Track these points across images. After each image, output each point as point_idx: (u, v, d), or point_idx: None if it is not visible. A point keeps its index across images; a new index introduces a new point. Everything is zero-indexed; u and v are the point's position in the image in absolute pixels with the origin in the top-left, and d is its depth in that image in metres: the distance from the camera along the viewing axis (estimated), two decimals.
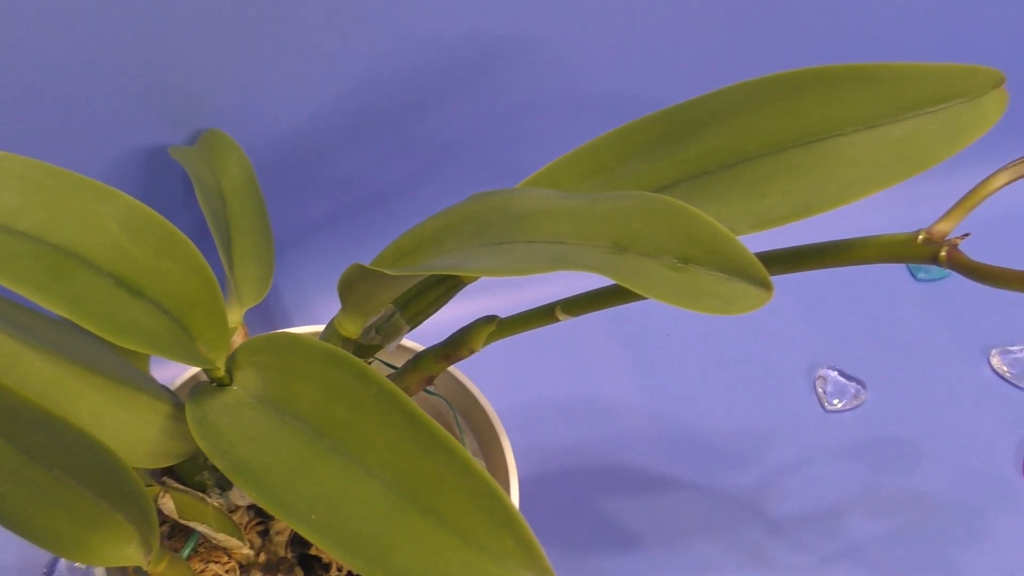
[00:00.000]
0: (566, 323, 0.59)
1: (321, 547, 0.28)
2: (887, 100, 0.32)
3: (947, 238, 0.33)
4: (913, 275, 0.69)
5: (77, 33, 0.49)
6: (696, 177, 0.35)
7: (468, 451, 0.43)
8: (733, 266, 0.30)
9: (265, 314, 0.64)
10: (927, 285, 0.68)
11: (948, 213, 0.33)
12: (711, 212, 0.34)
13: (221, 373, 0.36)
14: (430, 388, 0.44)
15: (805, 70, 0.33)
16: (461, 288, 0.41)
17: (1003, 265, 0.68)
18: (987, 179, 0.33)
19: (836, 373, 0.62)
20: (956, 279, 0.69)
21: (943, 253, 0.32)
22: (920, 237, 0.33)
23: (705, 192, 0.35)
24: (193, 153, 0.51)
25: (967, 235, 0.33)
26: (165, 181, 0.55)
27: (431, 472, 0.29)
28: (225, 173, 0.50)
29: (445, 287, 0.40)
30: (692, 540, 0.56)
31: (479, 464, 0.27)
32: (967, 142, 0.32)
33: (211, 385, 0.36)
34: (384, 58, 0.57)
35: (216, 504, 0.39)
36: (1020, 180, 0.34)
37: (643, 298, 0.30)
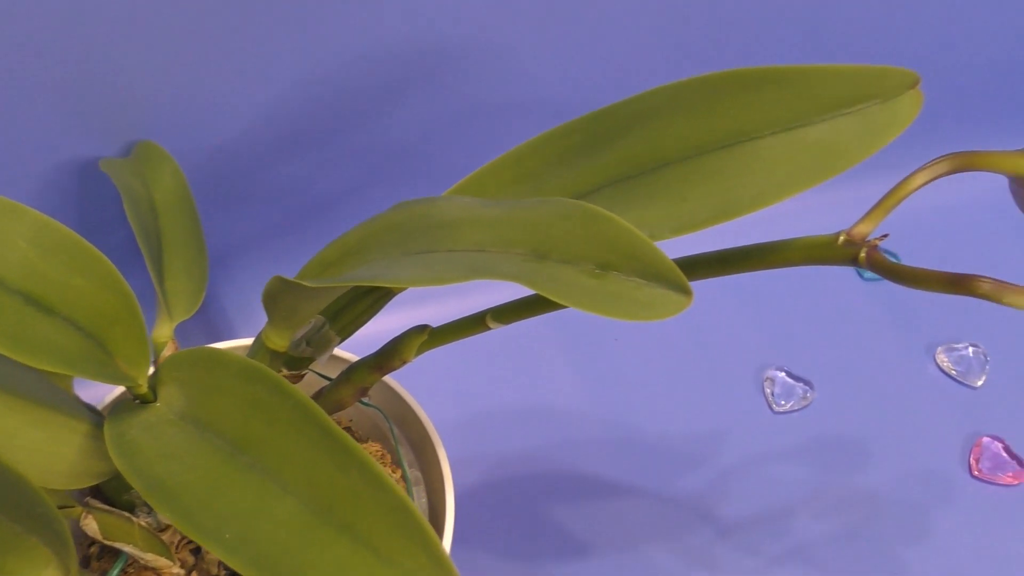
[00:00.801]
0: (514, 330, 0.59)
1: (234, 567, 0.28)
2: (802, 102, 0.32)
3: (868, 239, 0.33)
4: (860, 274, 0.69)
5: (4, 43, 0.48)
6: (619, 182, 0.35)
7: (403, 462, 0.43)
8: (651, 271, 0.30)
9: (209, 326, 0.63)
10: (873, 284, 0.69)
11: (868, 214, 0.33)
12: (633, 217, 0.34)
13: (143, 390, 0.35)
14: (365, 399, 0.43)
15: (721, 73, 0.33)
16: (391, 298, 0.41)
17: (946, 265, 0.69)
18: (905, 180, 0.33)
19: (784, 374, 0.62)
20: None
21: (862, 254, 0.32)
22: (841, 239, 0.33)
23: (627, 197, 0.34)
24: (124, 166, 0.50)
25: (886, 236, 0.33)
26: (98, 195, 0.54)
27: (345, 487, 0.28)
28: (157, 185, 0.49)
29: (374, 297, 0.40)
30: (640, 545, 0.56)
31: (391, 479, 0.27)
32: (882, 143, 0.32)
33: (134, 402, 0.36)
34: (321, 66, 0.56)
35: (144, 523, 0.38)
36: (939, 179, 0.34)
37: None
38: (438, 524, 0.41)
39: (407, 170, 0.62)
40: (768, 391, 0.62)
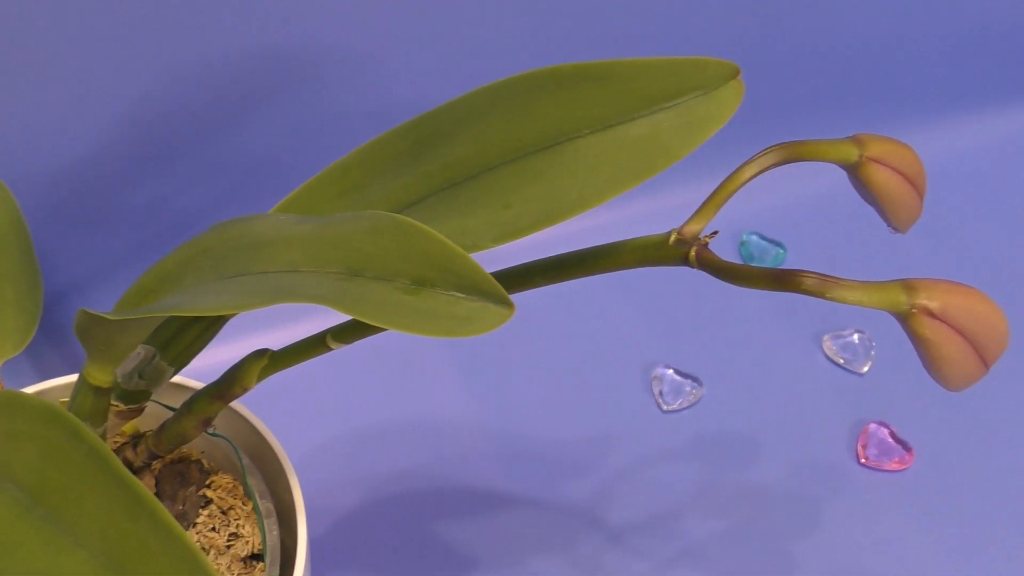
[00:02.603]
0: (395, 342, 0.57)
1: None
2: (621, 98, 0.31)
3: (699, 236, 0.32)
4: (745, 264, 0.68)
5: None
6: (443, 190, 0.33)
7: (254, 494, 0.41)
8: (468, 284, 0.28)
9: (72, 359, 0.60)
10: None
11: (697, 212, 0.32)
12: (455, 226, 0.32)
13: None
14: (211, 429, 0.41)
15: (538, 71, 0.32)
16: (222, 324, 0.39)
17: (836, 256, 0.68)
18: (733, 174, 0.32)
19: (672, 371, 0.61)
20: (787, 266, 0.69)
21: (692, 253, 0.31)
22: (672, 238, 0.32)
23: (451, 205, 0.33)
24: None
25: (715, 233, 0.32)
26: None
27: (136, 538, 0.26)
28: None
29: (203, 325, 0.38)
30: (529, 557, 0.54)
31: (180, 526, 0.25)
32: (705, 136, 0.30)
33: None
34: (170, 77, 0.54)
35: None
36: (769, 171, 0.33)
37: None
38: (289, 557, 0.39)
39: (270, 183, 0.59)
40: (656, 390, 0.61)
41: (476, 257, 0.30)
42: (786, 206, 0.71)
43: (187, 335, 0.38)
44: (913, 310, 0.28)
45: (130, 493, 0.27)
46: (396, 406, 0.60)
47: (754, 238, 0.69)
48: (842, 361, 0.63)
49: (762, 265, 0.68)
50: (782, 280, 0.29)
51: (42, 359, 0.60)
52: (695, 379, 0.61)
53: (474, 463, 0.58)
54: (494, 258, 0.34)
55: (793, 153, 0.32)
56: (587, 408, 0.61)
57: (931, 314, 0.28)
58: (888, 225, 0.34)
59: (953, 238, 0.70)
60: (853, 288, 0.28)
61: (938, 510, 0.56)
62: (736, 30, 0.62)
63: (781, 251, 0.68)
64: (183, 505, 0.40)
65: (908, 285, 0.28)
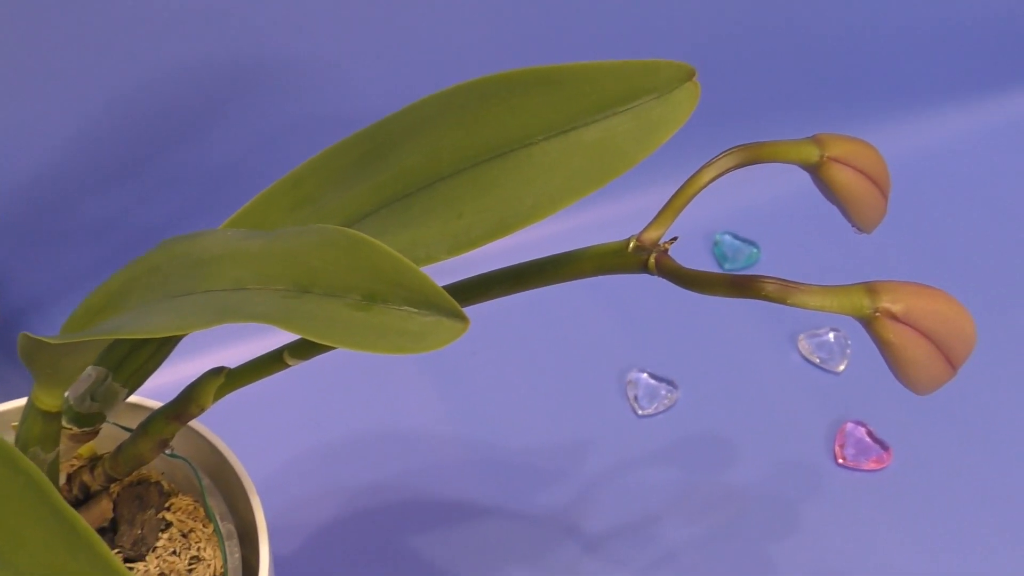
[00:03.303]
0: (359, 352, 0.56)
1: None
2: (574, 102, 0.30)
3: (659, 243, 0.31)
4: (719, 264, 0.68)
5: None
6: (396, 201, 0.32)
7: (214, 515, 0.40)
8: (421, 299, 0.27)
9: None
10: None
11: (656, 218, 0.31)
12: (408, 238, 0.31)
13: None
14: (169, 450, 0.40)
15: (488, 77, 0.31)
16: (175, 343, 0.38)
17: (810, 256, 0.67)
18: (692, 178, 0.31)
19: (646, 375, 0.61)
20: (761, 266, 0.68)
21: (651, 260, 0.30)
22: (631, 245, 0.31)
23: (404, 217, 0.32)
24: None
25: (675, 239, 0.31)
26: None
27: (75, 573, 0.25)
28: None
29: (155, 344, 0.37)
30: (505, 566, 0.53)
31: (119, 561, 0.24)
32: (661, 140, 0.30)
33: None
34: (128, 90, 0.53)
35: None
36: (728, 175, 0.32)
37: None
38: None
39: (231, 194, 0.58)
40: (631, 395, 0.60)
41: (432, 269, 0.29)
42: (760, 205, 0.70)
43: (140, 355, 0.37)
44: (876, 314, 0.27)
45: (68, 527, 0.26)
46: (364, 418, 0.59)
47: (727, 238, 0.68)
48: (818, 360, 0.62)
49: (736, 265, 0.67)
50: (742, 286, 0.28)
51: (4, 379, 0.58)
52: (670, 383, 0.61)
53: (446, 473, 0.57)
54: (452, 269, 0.34)
55: (753, 155, 0.31)
56: (561, 415, 0.60)
57: (894, 317, 0.27)
58: (852, 225, 0.34)
59: (929, 235, 0.69)
60: (814, 293, 0.28)
61: (916, 509, 0.55)
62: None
63: (755, 250, 0.68)
64: (142, 529, 0.39)
65: (871, 288, 0.27)
